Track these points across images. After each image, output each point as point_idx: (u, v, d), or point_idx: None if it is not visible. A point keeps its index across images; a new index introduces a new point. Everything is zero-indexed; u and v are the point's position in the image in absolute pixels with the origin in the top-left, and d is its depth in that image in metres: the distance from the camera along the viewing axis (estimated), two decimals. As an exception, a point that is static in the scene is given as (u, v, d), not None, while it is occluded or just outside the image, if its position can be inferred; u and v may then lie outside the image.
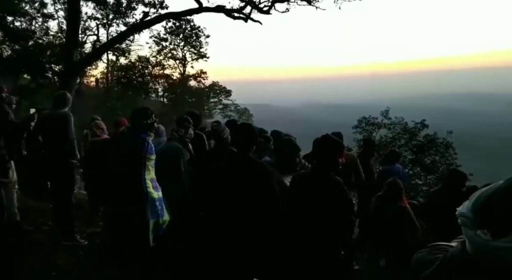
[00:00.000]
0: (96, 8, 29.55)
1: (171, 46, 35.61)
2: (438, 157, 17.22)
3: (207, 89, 38.53)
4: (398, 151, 7.23)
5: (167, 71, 36.42)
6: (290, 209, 2.91)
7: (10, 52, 25.67)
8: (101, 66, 34.90)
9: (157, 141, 4.60)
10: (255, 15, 13.50)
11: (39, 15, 27.54)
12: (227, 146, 4.52)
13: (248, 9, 13.33)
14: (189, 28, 34.82)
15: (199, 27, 34.79)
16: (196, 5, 12.91)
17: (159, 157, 4.15)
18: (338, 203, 2.85)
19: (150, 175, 3.89)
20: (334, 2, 13.44)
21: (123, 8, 29.13)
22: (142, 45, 42.35)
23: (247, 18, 13.41)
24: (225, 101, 40.19)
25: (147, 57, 34.68)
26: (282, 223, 2.88)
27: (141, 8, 27.99)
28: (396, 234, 4.45)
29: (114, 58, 34.26)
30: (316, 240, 2.83)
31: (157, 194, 3.89)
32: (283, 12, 13.53)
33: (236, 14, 13.38)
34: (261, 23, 13.82)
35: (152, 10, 25.95)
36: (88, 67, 29.23)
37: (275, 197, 2.92)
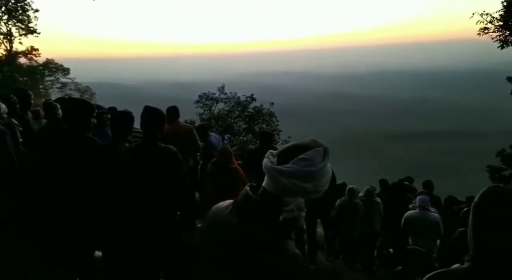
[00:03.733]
0: None
1: (-8, 20, 29.47)
2: (265, 125, 18.89)
3: (41, 67, 33.38)
4: (205, 125, 8.14)
5: (-11, 48, 30.15)
6: (124, 180, 2.82)
7: None
8: None
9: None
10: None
11: None
12: (61, 123, 4.11)
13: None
14: (13, 1, 29.25)
15: (25, 0, 29.50)
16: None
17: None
18: (170, 169, 2.85)
19: None
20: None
21: None
22: (-43, 19, 33.78)
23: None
24: (63, 80, 35.48)
25: (-37, 31, 28.04)
26: (118, 195, 2.78)
27: None
28: (229, 193, 4.75)
29: None
30: (151, 206, 2.80)
31: None
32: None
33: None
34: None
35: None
36: None
37: (101, 169, 2.83)
